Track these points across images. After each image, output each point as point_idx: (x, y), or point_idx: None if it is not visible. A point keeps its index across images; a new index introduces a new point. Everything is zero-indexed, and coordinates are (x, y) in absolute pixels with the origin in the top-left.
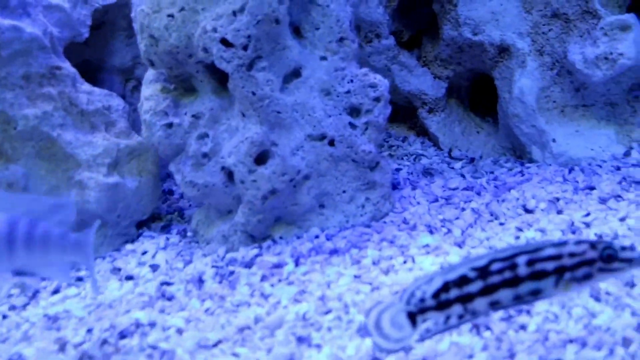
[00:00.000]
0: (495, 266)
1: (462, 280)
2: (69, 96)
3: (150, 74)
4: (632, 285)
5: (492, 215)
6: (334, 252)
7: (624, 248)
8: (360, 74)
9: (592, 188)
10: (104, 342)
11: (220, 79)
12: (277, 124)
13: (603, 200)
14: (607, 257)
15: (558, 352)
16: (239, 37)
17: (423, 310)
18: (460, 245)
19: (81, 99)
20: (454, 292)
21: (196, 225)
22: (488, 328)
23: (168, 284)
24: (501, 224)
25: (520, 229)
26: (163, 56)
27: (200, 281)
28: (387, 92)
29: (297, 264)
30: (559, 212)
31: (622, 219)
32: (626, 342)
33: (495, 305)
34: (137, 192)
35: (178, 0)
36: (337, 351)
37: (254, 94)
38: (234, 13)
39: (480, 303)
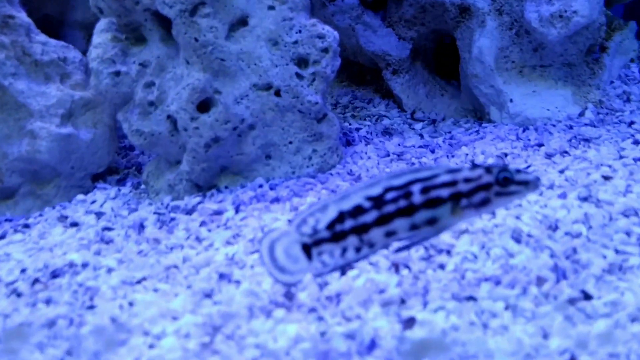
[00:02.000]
0: (390, 195)
1: (357, 210)
2: (23, 46)
3: (102, 23)
4: (554, 228)
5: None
6: (275, 200)
7: (519, 171)
8: (308, 24)
9: (541, 145)
10: (36, 280)
11: (167, 27)
12: (221, 72)
13: (549, 156)
14: (503, 181)
15: (472, 290)
16: None
17: (317, 242)
18: None
19: (35, 49)
20: (348, 223)
21: (147, 177)
22: (407, 267)
23: (109, 229)
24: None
25: None
26: (111, 3)
27: (141, 227)
28: (336, 44)
29: (237, 211)
30: None
31: (562, 171)
32: (540, 281)
33: (391, 236)
34: (91, 144)
35: None
36: (254, 286)
37: (196, 40)
38: None
39: (376, 234)
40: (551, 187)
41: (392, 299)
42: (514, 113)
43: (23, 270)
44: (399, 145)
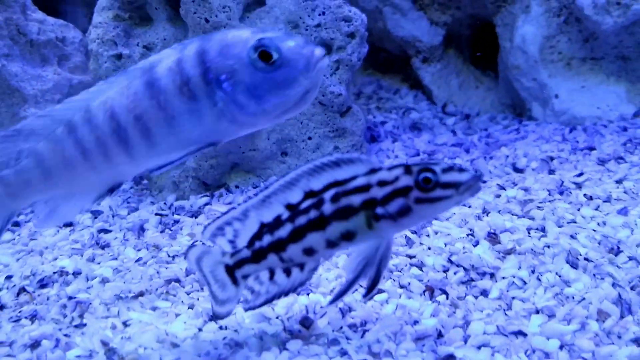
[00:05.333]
0: (306, 202)
1: (276, 223)
2: (17, 24)
3: (103, 0)
4: (616, 252)
5: (475, 172)
6: None
7: (449, 168)
8: (333, 5)
9: (592, 148)
10: (22, 290)
11: (175, 5)
12: None
13: (602, 162)
14: (424, 183)
15: (520, 324)
16: None
17: (239, 264)
18: None
19: (31, 28)
20: (266, 239)
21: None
22: (444, 292)
23: (106, 231)
24: (483, 181)
25: (502, 187)
26: None
27: (141, 230)
28: (364, 28)
29: None
30: (551, 171)
31: (619, 181)
32: (602, 316)
33: (311, 254)
34: None
35: None
36: (265, 309)
37: (207, 21)
38: None
39: (293, 251)
40: (608, 200)
41: (427, 331)
42: (559, 110)
43: (9, 277)
44: (430, 142)
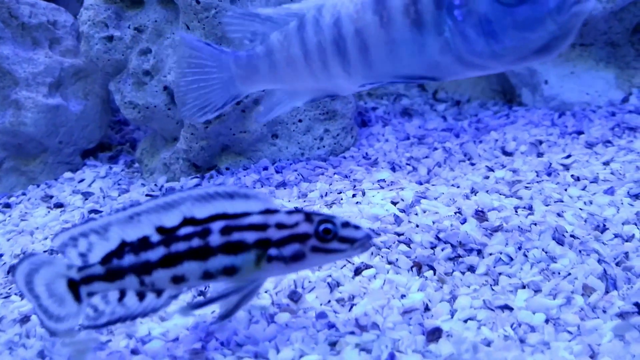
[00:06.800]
0: (185, 230)
1: (142, 244)
2: (9, 7)
3: None
4: (602, 229)
5: (465, 155)
6: (282, 184)
7: (347, 224)
8: None
9: (580, 133)
10: (12, 268)
11: None
12: (224, 39)
13: (590, 145)
14: (323, 234)
15: (507, 298)
16: None
17: (88, 279)
18: (421, 182)
19: (22, 11)
20: (128, 259)
21: (141, 154)
22: (431, 267)
23: (96, 211)
24: (472, 164)
25: (491, 169)
26: None
27: None
28: None
29: None
30: (539, 154)
31: (606, 163)
32: (587, 291)
33: (180, 282)
34: (82, 117)
35: None
36: None
37: (197, 2)
38: None
39: (160, 276)
40: (595, 180)
41: (414, 305)
42: (548, 96)
43: None
44: (420, 127)
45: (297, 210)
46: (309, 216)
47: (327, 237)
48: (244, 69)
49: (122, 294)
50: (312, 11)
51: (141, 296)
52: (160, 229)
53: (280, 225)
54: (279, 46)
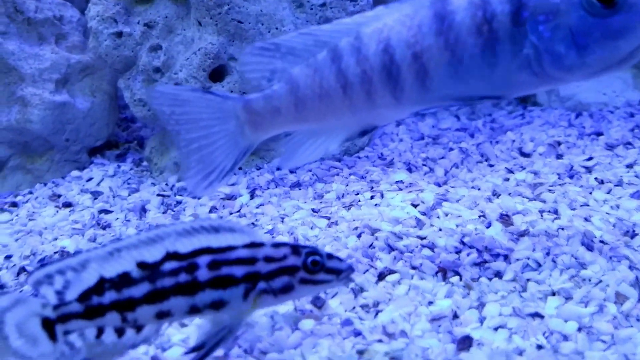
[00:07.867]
0: (170, 265)
1: (123, 280)
2: (14, 2)
3: None
4: (632, 234)
5: (482, 156)
6: (296, 185)
7: (331, 256)
8: None
9: (599, 134)
10: (22, 270)
11: None
12: (237, 36)
13: (610, 147)
14: (311, 265)
15: (536, 306)
16: None
17: (64, 318)
18: (439, 184)
19: (28, 6)
20: (110, 296)
21: (150, 153)
22: (456, 273)
23: (107, 211)
24: (490, 165)
25: (510, 171)
26: None
27: (143, 210)
28: (370, 9)
29: (252, 196)
30: (559, 156)
31: (629, 166)
32: (619, 299)
33: (164, 317)
34: (89, 114)
35: None
36: None
37: None
38: None
39: (145, 312)
40: (620, 184)
41: (442, 312)
42: (564, 96)
43: (8, 257)
44: (434, 127)
45: (282, 243)
46: (295, 249)
47: (315, 269)
48: (258, 114)
49: (100, 331)
50: (347, 39)
51: (120, 332)
52: (141, 264)
53: (268, 259)
54: (308, 81)
